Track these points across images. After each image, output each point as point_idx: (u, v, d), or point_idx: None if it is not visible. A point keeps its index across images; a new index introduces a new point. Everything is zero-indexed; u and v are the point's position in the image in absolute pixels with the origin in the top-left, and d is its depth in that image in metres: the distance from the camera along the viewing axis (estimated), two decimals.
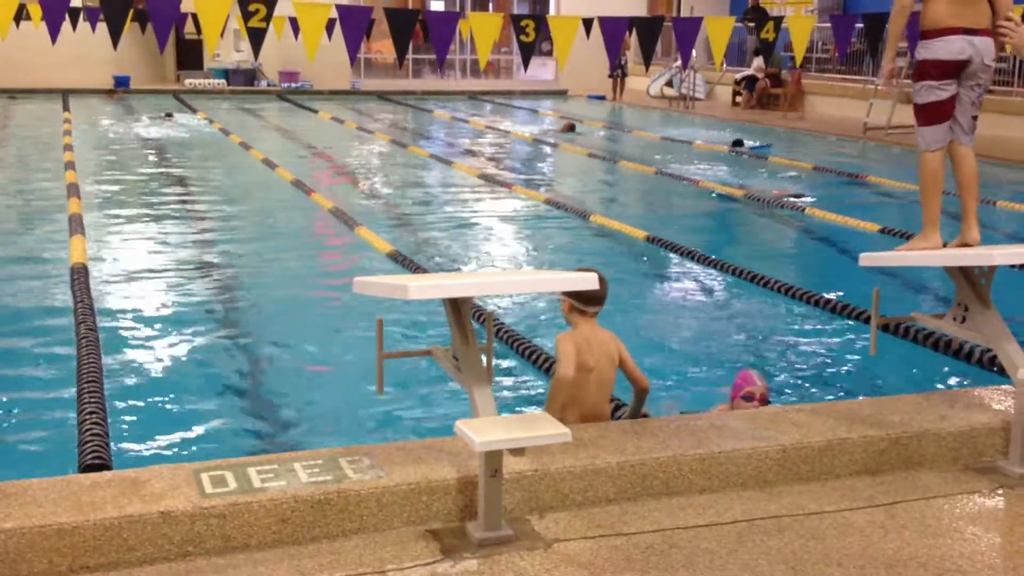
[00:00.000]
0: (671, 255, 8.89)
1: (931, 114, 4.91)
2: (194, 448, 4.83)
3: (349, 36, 7.94)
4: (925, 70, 4.87)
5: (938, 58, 4.82)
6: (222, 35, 9.53)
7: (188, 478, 3.54)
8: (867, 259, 4.86)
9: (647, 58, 8.82)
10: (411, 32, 8.38)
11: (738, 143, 16.82)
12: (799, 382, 5.87)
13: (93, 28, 8.90)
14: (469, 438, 3.30)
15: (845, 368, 6.12)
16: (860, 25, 12.06)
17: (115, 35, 7.59)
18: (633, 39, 15.73)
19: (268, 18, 8.10)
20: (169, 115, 20.69)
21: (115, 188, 12.32)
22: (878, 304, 4.49)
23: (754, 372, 4.89)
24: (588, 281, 3.46)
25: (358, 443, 4.09)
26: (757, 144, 16.74)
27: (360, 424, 5.11)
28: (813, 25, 9.66)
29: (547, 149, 17.67)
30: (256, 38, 8.06)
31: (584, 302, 3.99)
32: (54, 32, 7.74)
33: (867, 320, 6.29)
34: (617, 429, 4.15)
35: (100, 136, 17.82)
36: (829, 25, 15.97)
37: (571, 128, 19.46)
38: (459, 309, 3.66)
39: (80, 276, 7.33)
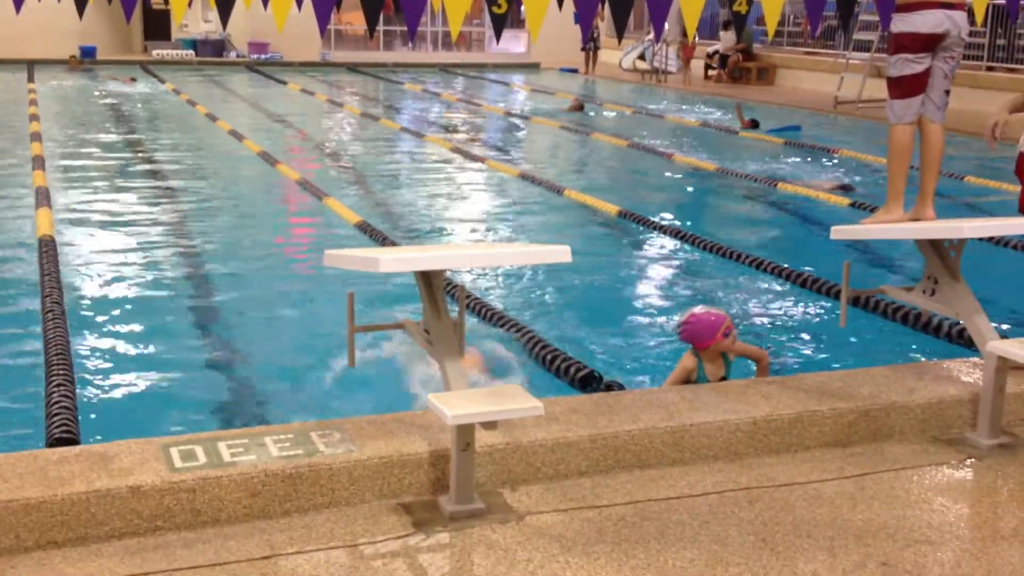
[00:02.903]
0: (643, 228, 8.89)
1: (906, 87, 4.91)
2: (162, 422, 4.78)
3: (319, 6, 7.80)
4: (902, 43, 4.87)
5: (917, 31, 4.82)
6: (190, 5, 9.39)
7: (157, 453, 3.51)
8: (838, 232, 4.87)
9: (620, 31, 8.73)
10: (382, 2, 8.25)
11: (754, 124, 15.86)
12: (769, 355, 5.88)
13: None
14: (441, 412, 3.29)
15: (815, 341, 6.15)
16: None
17: (80, 5, 7.43)
18: (606, 11, 15.60)
19: None
20: (133, 79, 20.51)
21: (81, 160, 12.16)
22: (848, 277, 4.51)
23: (699, 309, 4.93)
24: (561, 254, 3.44)
25: (329, 417, 4.06)
26: (785, 126, 15.72)
27: (331, 397, 5.07)
28: None
29: (519, 122, 17.61)
30: (224, 8, 7.91)
31: None
32: (18, 2, 7.57)
33: (837, 294, 6.33)
34: (589, 402, 4.15)
35: (65, 107, 17.58)
36: None
37: (580, 107, 18.41)
38: (431, 282, 3.63)
39: (47, 248, 7.23)
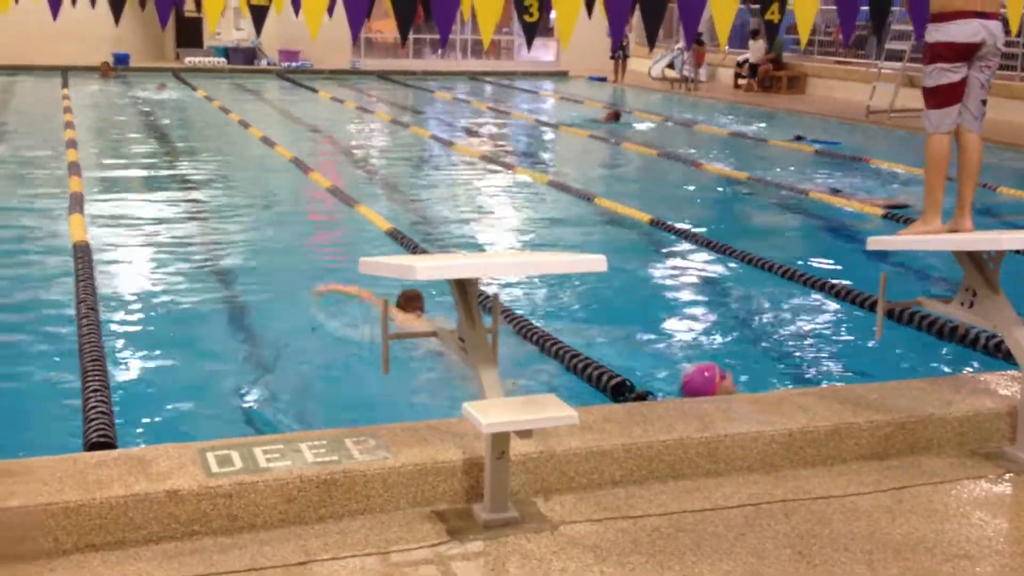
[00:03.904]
0: (675, 238, 8.86)
1: (942, 97, 4.89)
2: (197, 427, 4.80)
3: (352, 13, 7.85)
4: (937, 52, 4.85)
5: (953, 40, 4.80)
6: (223, 13, 9.48)
7: (194, 457, 3.53)
8: (874, 243, 4.84)
9: (651, 39, 8.71)
10: (414, 10, 8.29)
11: (798, 138, 15.61)
12: (805, 367, 5.86)
13: (92, 4, 8.81)
14: (476, 420, 3.29)
15: (850, 353, 6.10)
16: (865, 8, 11.96)
17: (117, 11, 7.50)
18: (636, 20, 15.55)
19: None
20: (164, 85, 20.76)
21: (115, 166, 12.28)
22: (885, 289, 4.47)
23: (690, 369, 4.97)
24: (597, 263, 3.43)
25: (361, 423, 4.07)
26: (824, 140, 15.54)
27: (364, 404, 5.09)
28: (818, 6, 9.57)
29: (548, 131, 17.61)
30: (258, 16, 7.98)
31: None
32: (55, 7, 7.65)
33: (872, 305, 6.28)
34: (622, 412, 4.14)
35: (99, 114, 17.75)
36: (832, 7, 15.87)
37: (616, 116, 18.12)
38: (466, 290, 3.63)
39: (82, 254, 7.30)
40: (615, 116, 18.14)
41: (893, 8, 10.79)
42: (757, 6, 11.48)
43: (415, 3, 8.81)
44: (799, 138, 15.64)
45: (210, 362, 5.67)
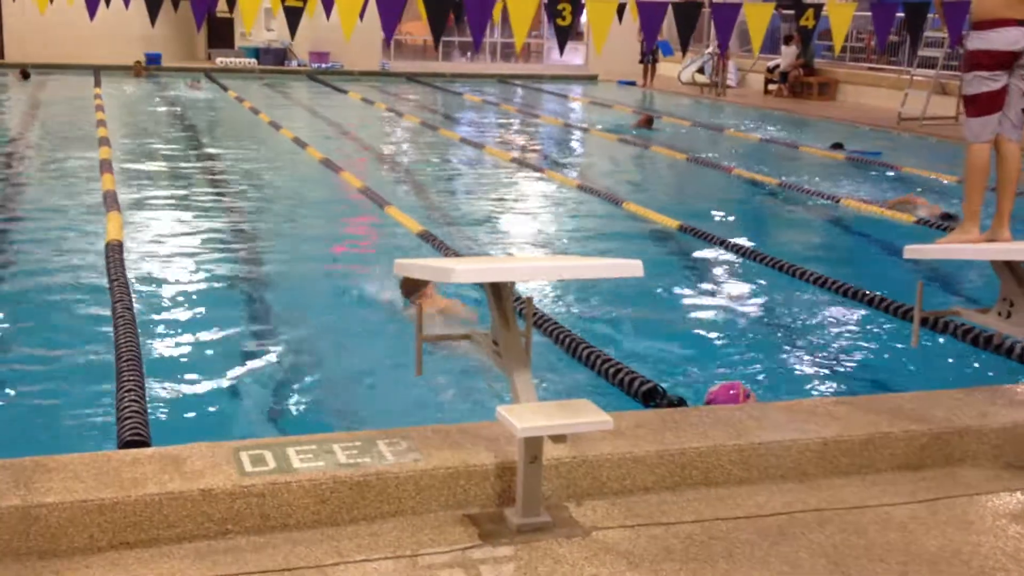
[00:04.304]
0: (705, 244, 8.83)
1: (982, 105, 4.84)
2: (228, 426, 4.83)
3: (385, 16, 7.89)
4: (977, 60, 4.80)
5: (993, 48, 4.76)
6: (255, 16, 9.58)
7: (228, 456, 3.54)
8: (911, 251, 4.80)
9: (684, 44, 8.72)
10: (447, 13, 8.32)
11: (837, 145, 15.25)
12: (839, 375, 5.81)
13: (126, 4, 8.90)
14: (510, 424, 3.28)
15: (885, 362, 6.05)
16: (901, 15, 11.91)
17: (153, 12, 7.58)
18: (666, 24, 15.44)
19: None
20: (197, 82, 21.06)
21: (147, 165, 12.36)
22: (921, 297, 4.44)
23: (716, 388, 4.91)
24: (634, 268, 3.42)
25: (388, 426, 4.07)
26: (865, 151, 15.07)
27: (391, 406, 5.09)
28: (853, 12, 9.53)
29: (578, 134, 17.59)
30: (293, 17, 8.03)
31: None
32: (92, 8, 7.74)
33: (907, 313, 6.23)
34: (655, 417, 4.13)
35: (131, 113, 17.89)
36: (866, 13, 15.72)
37: (649, 122, 17.80)
38: (500, 293, 3.63)
39: (115, 252, 7.35)
40: (648, 122, 18.00)
41: (928, 15, 10.72)
42: (792, 12, 11.44)
43: (448, 8, 8.84)
44: (838, 146, 15.33)
45: (241, 361, 5.69)
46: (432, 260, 4.42)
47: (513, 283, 3.58)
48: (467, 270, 3.42)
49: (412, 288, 6.15)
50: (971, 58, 4.86)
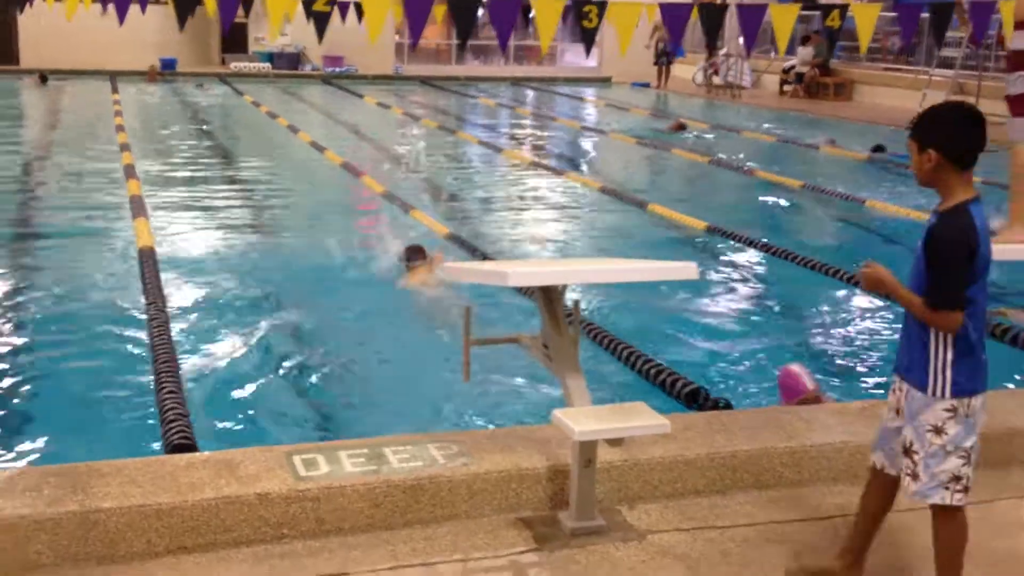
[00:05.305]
0: (732, 244, 8.80)
1: None
2: (271, 428, 4.82)
3: (413, 23, 7.89)
4: (1021, 60, 4.78)
5: None
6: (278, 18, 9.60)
7: (281, 460, 3.54)
8: None
9: (711, 45, 8.72)
10: (474, 16, 8.33)
11: (879, 148, 14.71)
12: (882, 377, 5.77)
13: (143, 10, 8.93)
14: (567, 427, 3.27)
15: None
16: (926, 15, 11.86)
17: (182, 17, 7.61)
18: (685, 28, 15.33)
19: (333, 1, 8.07)
20: (202, 85, 21.28)
21: (169, 170, 12.36)
22: None
23: (795, 367, 4.82)
24: (688, 271, 3.40)
25: (434, 429, 4.06)
26: (902, 155, 14.43)
27: (436, 410, 5.07)
28: (879, 12, 9.48)
29: (595, 136, 17.57)
30: (320, 22, 8.04)
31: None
32: (122, 14, 7.79)
33: None
34: (702, 420, 4.11)
35: (149, 118, 17.92)
36: (890, 14, 15.60)
37: (681, 127, 17.59)
38: (551, 297, 3.62)
39: (147, 258, 7.35)
40: (681, 127, 17.89)
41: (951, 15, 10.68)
42: (817, 12, 11.41)
43: (474, 13, 8.85)
44: (879, 149, 14.84)
45: (278, 367, 5.67)
46: (485, 264, 4.40)
47: (565, 287, 3.56)
48: (521, 273, 3.40)
49: (412, 256, 6.42)
50: (1016, 58, 4.84)
